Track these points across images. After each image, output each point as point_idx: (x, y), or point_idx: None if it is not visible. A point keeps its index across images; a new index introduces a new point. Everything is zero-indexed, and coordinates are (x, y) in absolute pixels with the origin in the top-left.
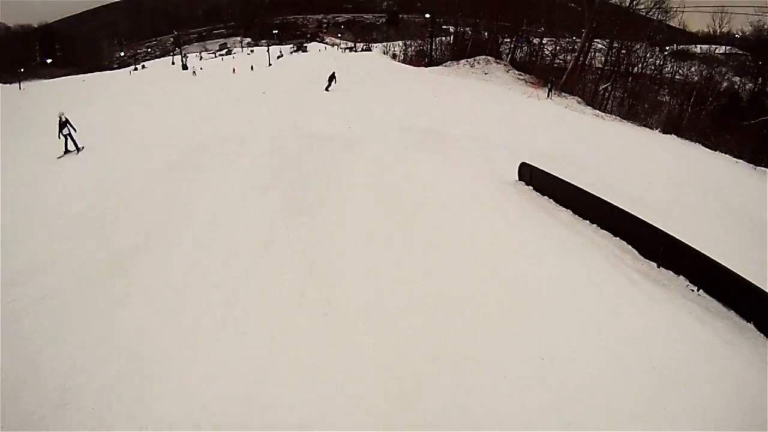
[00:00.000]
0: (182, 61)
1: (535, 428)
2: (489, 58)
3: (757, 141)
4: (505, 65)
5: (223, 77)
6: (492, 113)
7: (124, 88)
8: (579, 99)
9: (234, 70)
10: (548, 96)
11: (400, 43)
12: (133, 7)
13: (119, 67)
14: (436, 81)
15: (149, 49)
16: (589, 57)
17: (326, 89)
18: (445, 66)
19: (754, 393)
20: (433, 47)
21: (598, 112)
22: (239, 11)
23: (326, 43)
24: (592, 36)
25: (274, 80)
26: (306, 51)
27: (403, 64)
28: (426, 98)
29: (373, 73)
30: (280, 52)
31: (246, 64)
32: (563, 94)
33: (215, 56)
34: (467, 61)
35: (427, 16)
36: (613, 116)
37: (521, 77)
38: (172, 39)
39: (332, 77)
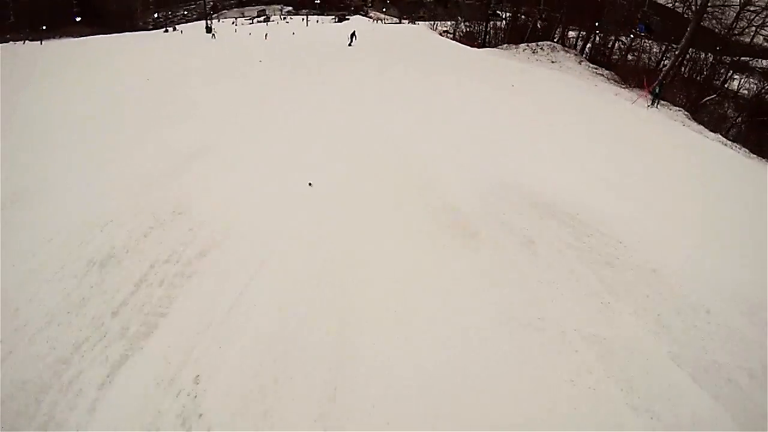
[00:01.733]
0: (206, 23)
1: None
2: (555, 45)
3: None
4: (575, 55)
5: (245, 42)
6: (598, 131)
7: (132, 49)
8: (686, 113)
9: (266, 35)
10: (654, 104)
11: (448, 22)
12: None
13: (154, 29)
14: (498, 65)
15: (186, 12)
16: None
17: (349, 45)
18: (502, 49)
19: None
20: (488, 28)
21: (723, 139)
22: None
23: (370, 17)
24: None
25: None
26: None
27: (453, 41)
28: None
29: (418, 51)
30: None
31: (282, 31)
32: (663, 102)
33: (252, 22)
34: (528, 45)
35: None
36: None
37: (598, 72)
38: (211, 2)
39: (353, 35)
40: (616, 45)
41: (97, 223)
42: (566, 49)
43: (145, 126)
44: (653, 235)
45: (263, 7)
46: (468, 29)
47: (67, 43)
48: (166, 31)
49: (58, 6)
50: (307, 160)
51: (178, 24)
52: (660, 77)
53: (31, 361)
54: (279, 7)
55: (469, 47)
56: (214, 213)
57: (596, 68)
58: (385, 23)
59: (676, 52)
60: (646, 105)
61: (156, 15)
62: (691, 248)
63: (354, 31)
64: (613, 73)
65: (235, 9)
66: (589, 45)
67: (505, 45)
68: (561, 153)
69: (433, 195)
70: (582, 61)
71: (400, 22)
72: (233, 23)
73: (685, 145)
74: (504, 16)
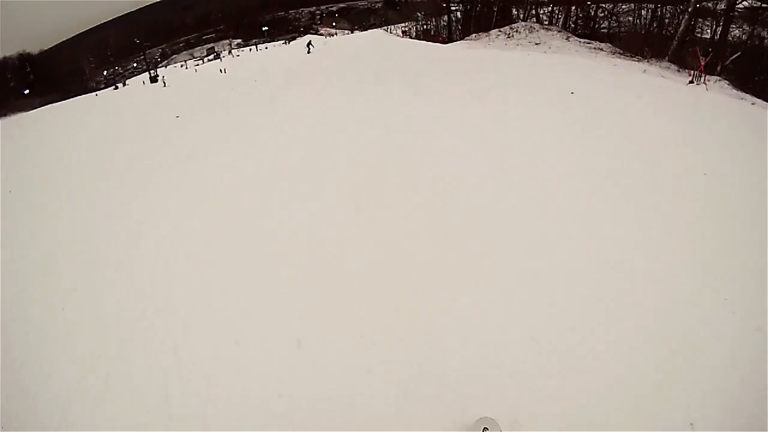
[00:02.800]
0: (150, 73)
1: None
2: (531, 24)
3: None
4: (559, 31)
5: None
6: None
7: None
8: (729, 83)
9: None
10: (702, 80)
11: (401, 25)
12: (123, 24)
13: (106, 87)
14: (481, 58)
15: (136, 65)
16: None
17: (308, 53)
18: (472, 39)
19: None
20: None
21: None
22: (227, 14)
23: (321, 35)
24: None
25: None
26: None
27: (416, 40)
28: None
29: (386, 56)
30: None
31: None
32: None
33: (203, 62)
34: (500, 30)
35: None
36: None
37: (594, 46)
38: (159, 51)
39: (309, 43)
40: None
41: None
42: (546, 26)
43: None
44: None
45: (211, 45)
46: (425, 27)
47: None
48: (116, 88)
49: (3, 81)
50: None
51: (129, 78)
52: (707, 49)
53: None
54: (227, 41)
55: (436, 44)
56: None
57: (589, 42)
58: (336, 36)
59: (689, 9)
60: (694, 83)
61: (105, 72)
62: None
63: (310, 40)
64: (610, 44)
65: (184, 52)
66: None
67: (473, 35)
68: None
69: None
70: (569, 37)
71: (352, 32)
72: (182, 66)
73: None
74: (458, 8)
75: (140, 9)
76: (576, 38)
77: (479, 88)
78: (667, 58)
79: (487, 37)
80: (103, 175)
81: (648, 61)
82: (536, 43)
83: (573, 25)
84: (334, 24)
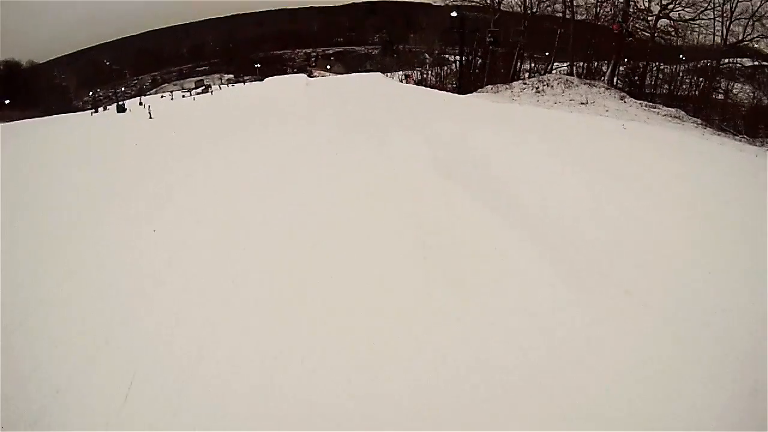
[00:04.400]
0: (118, 103)
1: None
2: (569, 78)
3: None
4: (606, 88)
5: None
6: None
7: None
8: None
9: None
10: None
11: (400, 73)
12: (119, 48)
13: (92, 108)
14: (512, 116)
15: (124, 89)
16: None
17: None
18: (488, 92)
19: None
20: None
21: None
22: (222, 47)
23: (314, 76)
24: None
25: None
26: None
27: (423, 87)
28: None
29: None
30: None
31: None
32: None
33: (191, 94)
34: (525, 83)
35: (454, 14)
36: None
37: (666, 113)
38: (150, 79)
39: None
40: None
41: None
42: (587, 81)
43: None
44: None
45: (202, 77)
46: (424, 75)
47: None
48: (95, 111)
49: None
50: None
51: (120, 101)
52: None
53: None
54: (218, 76)
55: (447, 93)
56: None
57: (654, 107)
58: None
59: None
60: None
61: (91, 93)
62: None
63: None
64: (681, 110)
65: (175, 81)
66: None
67: (489, 87)
68: None
69: None
70: (624, 97)
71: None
72: (163, 97)
73: None
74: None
75: (140, 34)
76: (632, 99)
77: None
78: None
79: (509, 90)
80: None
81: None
82: (582, 103)
83: (621, 81)
84: (328, 66)
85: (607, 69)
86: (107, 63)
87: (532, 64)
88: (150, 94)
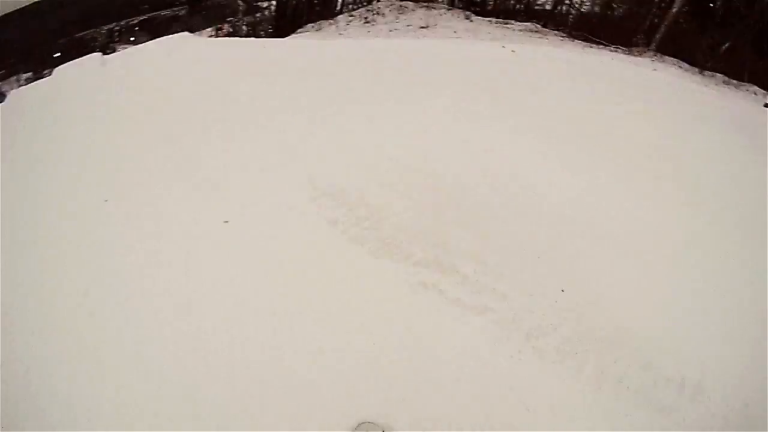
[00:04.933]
0: None
1: None
2: (402, 2)
3: None
4: (448, 9)
5: None
6: None
7: None
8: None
9: None
10: None
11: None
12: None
13: None
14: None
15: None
16: None
17: None
18: (308, 31)
19: None
20: None
21: None
22: None
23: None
24: None
25: None
26: None
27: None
28: None
29: None
30: None
31: None
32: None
33: None
34: (350, 14)
35: None
36: None
37: (526, 28)
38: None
39: None
40: None
41: None
42: (424, 3)
43: None
44: None
45: None
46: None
47: None
48: None
49: None
50: None
51: None
52: None
53: None
54: None
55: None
56: None
57: (505, 23)
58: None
59: None
60: None
61: None
62: None
63: None
64: (536, 24)
65: None
66: None
67: (310, 26)
68: None
69: None
70: (469, 15)
71: None
72: None
73: None
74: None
75: None
76: (478, 17)
77: None
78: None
79: (333, 26)
80: None
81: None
82: (422, 27)
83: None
84: (132, 39)
85: None
86: None
87: None
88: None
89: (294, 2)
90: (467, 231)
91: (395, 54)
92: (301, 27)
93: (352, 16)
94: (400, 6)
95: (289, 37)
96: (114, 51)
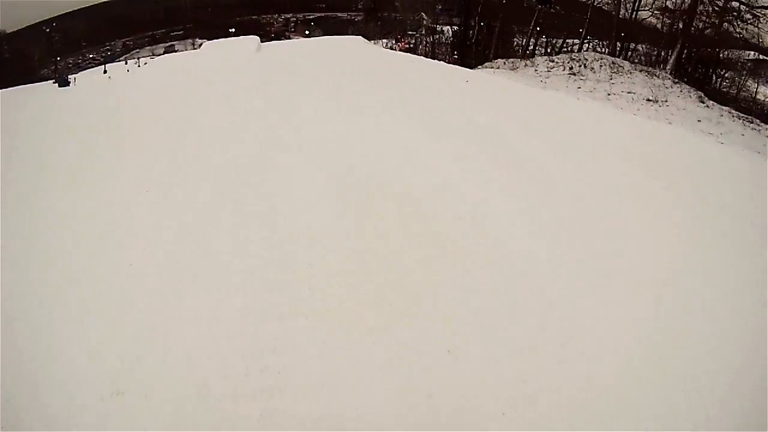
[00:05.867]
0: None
1: None
2: (614, 59)
3: None
4: (674, 82)
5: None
6: None
7: None
8: None
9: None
10: None
11: (384, 40)
12: (91, 15)
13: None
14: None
15: (93, 56)
16: None
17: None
18: (499, 68)
19: None
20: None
21: None
22: (200, 12)
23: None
24: None
25: None
26: None
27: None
28: None
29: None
30: None
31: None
32: None
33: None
34: (552, 59)
35: None
36: None
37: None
38: (121, 45)
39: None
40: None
41: None
42: (643, 67)
43: None
44: None
45: (174, 42)
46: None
47: None
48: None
49: None
50: None
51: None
52: None
53: None
54: (191, 41)
55: (450, 65)
56: None
57: (749, 119)
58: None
59: None
60: None
61: (58, 59)
62: None
63: None
64: None
65: (147, 47)
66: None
67: (501, 61)
68: None
69: None
70: (702, 97)
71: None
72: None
73: None
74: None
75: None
76: (712, 101)
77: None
78: None
79: (531, 68)
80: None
81: None
82: (649, 99)
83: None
84: (307, 32)
85: (671, 54)
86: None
87: (544, 39)
88: (119, 61)
89: (470, 31)
90: None
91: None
92: (488, 60)
93: (553, 62)
94: (613, 63)
95: (477, 69)
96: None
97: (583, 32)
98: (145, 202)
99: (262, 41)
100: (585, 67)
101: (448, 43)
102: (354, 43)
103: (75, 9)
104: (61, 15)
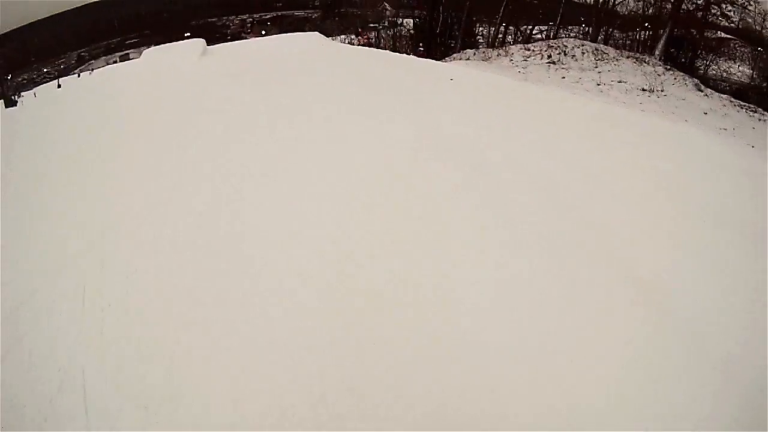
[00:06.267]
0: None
1: None
2: (597, 46)
3: None
4: (666, 69)
5: None
6: None
7: None
8: None
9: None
10: None
11: (342, 36)
12: (49, 26)
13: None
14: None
15: (47, 70)
16: None
17: None
18: (471, 59)
19: None
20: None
21: None
22: (157, 18)
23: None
24: None
25: None
26: None
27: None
28: None
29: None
30: None
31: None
32: None
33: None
34: (527, 47)
35: None
36: None
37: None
38: (76, 56)
39: None
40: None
41: None
42: (630, 53)
43: None
44: None
45: (128, 51)
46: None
47: None
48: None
49: None
50: None
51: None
52: None
53: None
54: (146, 48)
55: (417, 58)
56: None
57: (749, 107)
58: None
59: None
60: None
61: (9, 78)
62: None
63: None
64: None
65: (102, 57)
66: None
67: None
68: None
69: None
70: (698, 84)
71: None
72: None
73: None
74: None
75: (73, 9)
76: (710, 89)
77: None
78: None
79: (506, 57)
80: None
81: None
82: (644, 89)
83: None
84: (263, 33)
85: (659, 39)
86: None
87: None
88: (72, 74)
89: (435, 22)
90: None
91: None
92: (456, 51)
93: (529, 50)
94: (596, 50)
95: (448, 61)
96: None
97: (559, 16)
98: None
99: (218, 43)
100: (565, 54)
101: (408, 36)
102: (310, 39)
103: (26, 23)
104: (11, 30)
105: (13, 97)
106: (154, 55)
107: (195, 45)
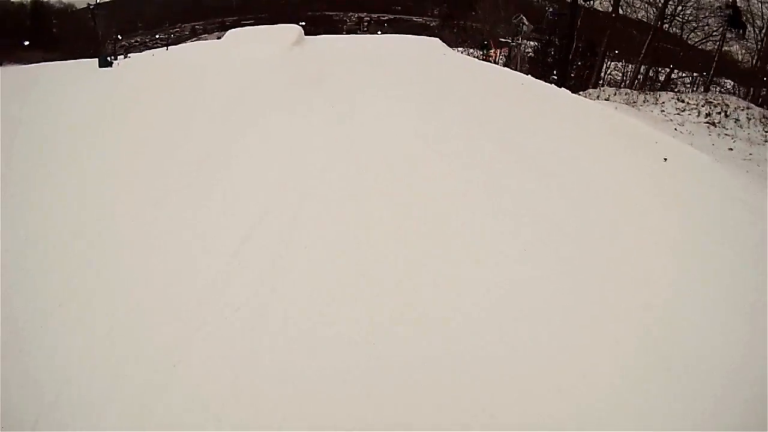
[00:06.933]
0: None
1: None
2: (762, 111)
3: None
4: None
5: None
6: None
7: None
8: None
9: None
10: None
11: (460, 49)
12: None
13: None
14: None
15: (161, 37)
16: None
17: None
18: (609, 99)
19: None
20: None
21: None
22: (273, 3)
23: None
24: None
25: None
26: None
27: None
28: None
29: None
30: None
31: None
32: None
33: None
34: (680, 98)
35: None
36: None
37: None
38: (190, 28)
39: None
40: None
41: None
42: None
43: None
44: None
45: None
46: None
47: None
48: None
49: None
50: None
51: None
52: None
53: None
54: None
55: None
56: None
57: None
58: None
59: None
60: None
61: (119, 38)
62: None
63: None
64: None
65: (216, 32)
66: None
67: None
68: None
69: None
70: None
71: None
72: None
73: None
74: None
75: None
76: None
77: None
78: None
79: (656, 106)
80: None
81: None
82: None
83: None
84: (379, 32)
85: None
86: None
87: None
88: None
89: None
90: None
91: None
92: (591, 86)
93: (682, 101)
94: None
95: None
96: None
97: (713, 65)
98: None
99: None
100: (726, 116)
101: (529, 60)
102: (430, 45)
103: None
104: None
105: (108, 59)
106: (236, 36)
107: (289, 31)
